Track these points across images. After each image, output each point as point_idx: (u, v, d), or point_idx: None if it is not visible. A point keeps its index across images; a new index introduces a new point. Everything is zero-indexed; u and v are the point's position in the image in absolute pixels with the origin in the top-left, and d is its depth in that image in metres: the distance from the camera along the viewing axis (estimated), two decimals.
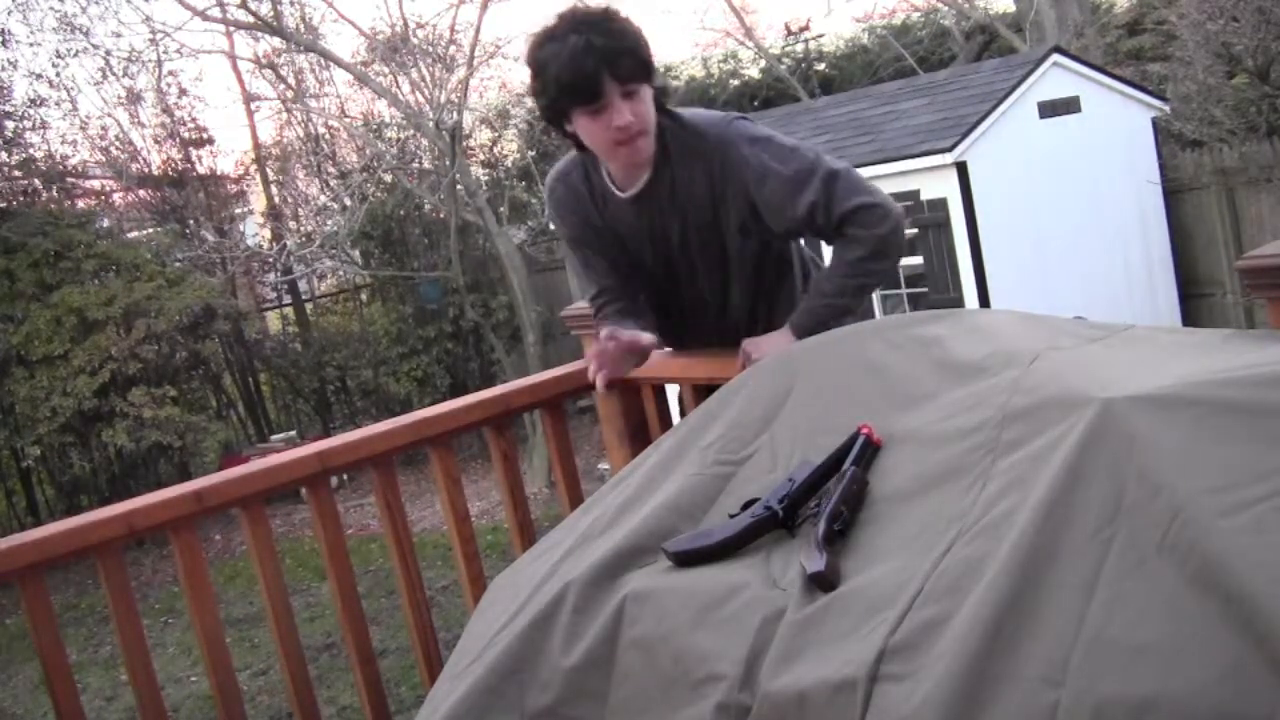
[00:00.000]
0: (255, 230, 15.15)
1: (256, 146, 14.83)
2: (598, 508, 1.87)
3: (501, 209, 12.52)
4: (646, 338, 2.27)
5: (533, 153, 14.59)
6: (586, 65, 2.00)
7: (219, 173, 14.14)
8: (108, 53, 12.49)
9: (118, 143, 13.19)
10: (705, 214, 2.22)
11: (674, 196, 2.21)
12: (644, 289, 2.42)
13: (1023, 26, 13.08)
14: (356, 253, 13.11)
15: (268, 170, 14.67)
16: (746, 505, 1.63)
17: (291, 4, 12.18)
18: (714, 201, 2.20)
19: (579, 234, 2.37)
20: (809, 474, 1.61)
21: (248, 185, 14.97)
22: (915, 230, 8.83)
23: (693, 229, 2.25)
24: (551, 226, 12.24)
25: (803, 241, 2.46)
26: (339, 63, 12.40)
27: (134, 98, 12.96)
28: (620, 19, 2.07)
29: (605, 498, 1.89)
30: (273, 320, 14.85)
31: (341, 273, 14.04)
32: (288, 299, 14.63)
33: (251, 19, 11.81)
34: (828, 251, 2.28)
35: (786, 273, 2.41)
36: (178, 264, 11.88)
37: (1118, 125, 9.38)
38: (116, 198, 13.86)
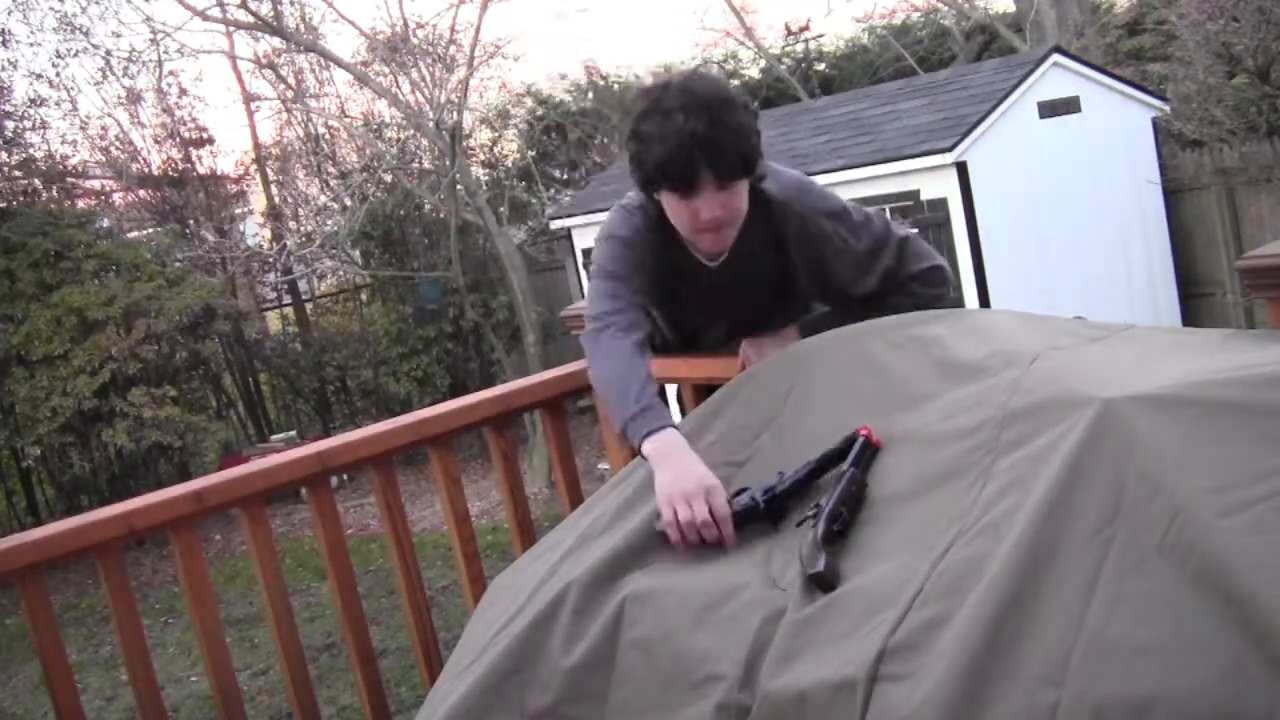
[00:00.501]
0: (255, 230, 15.15)
1: (256, 146, 14.84)
2: (598, 508, 1.87)
3: (501, 209, 12.52)
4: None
5: (533, 153, 14.59)
6: (688, 156, 1.90)
7: (219, 173, 14.15)
8: (108, 53, 12.50)
9: (118, 143, 13.20)
10: (775, 275, 2.18)
11: (752, 259, 2.15)
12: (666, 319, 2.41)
13: (1023, 26, 13.07)
14: (356, 253, 13.11)
15: (268, 170, 14.67)
16: (736, 494, 1.64)
17: (291, 4, 12.19)
18: (785, 262, 2.16)
19: (624, 270, 2.17)
20: (799, 471, 1.62)
21: (248, 185, 14.97)
22: (915, 230, 8.82)
23: (765, 286, 2.21)
24: (552, 226, 12.27)
25: None
26: (339, 63, 12.40)
27: (134, 98, 12.96)
28: (735, 105, 1.96)
29: (605, 498, 1.89)
30: (273, 320, 14.86)
31: (341, 273, 14.05)
32: (288, 299, 14.64)
33: (251, 19, 11.81)
34: None
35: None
36: (178, 264, 11.88)
37: (1118, 125, 9.37)
38: (116, 198, 13.87)
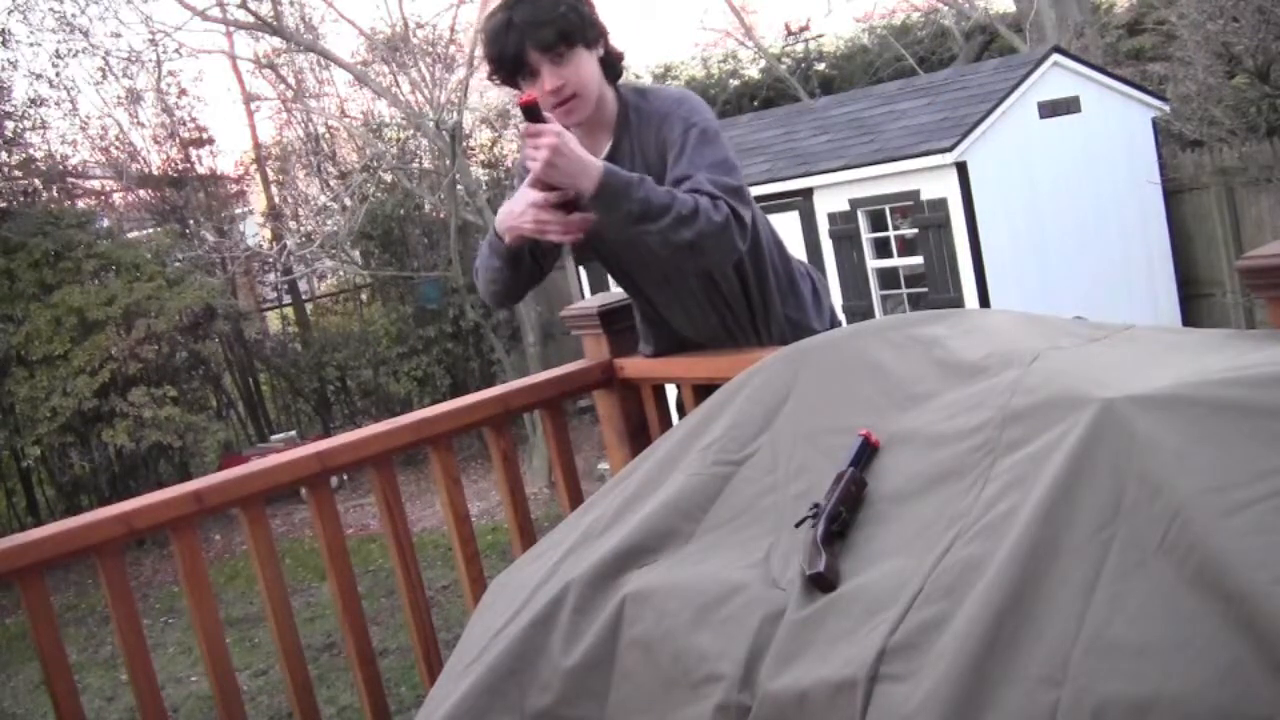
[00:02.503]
0: (255, 230, 15.15)
1: (256, 146, 14.84)
2: (598, 507, 1.87)
3: None
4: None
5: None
6: (508, 42, 2.14)
7: (219, 173, 14.16)
8: (107, 53, 12.49)
9: (118, 143, 13.21)
10: (660, 181, 2.20)
11: (633, 162, 2.24)
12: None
13: (1023, 26, 13.07)
14: (356, 253, 13.10)
15: (268, 170, 14.67)
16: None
17: (291, 4, 12.18)
18: (664, 172, 2.21)
19: None
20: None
21: (248, 185, 14.98)
22: (915, 230, 8.83)
23: None
24: None
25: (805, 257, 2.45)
26: (339, 63, 12.39)
27: (134, 98, 12.96)
28: None
29: (605, 497, 1.89)
30: (273, 320, 14.86)
31: (341, 273, 14.04)
32: (288, 299, 14.64)
33: (251, 19, 11.79)
34: (831, 270, 2.27)
35: (761, 275, 2.38)
36: (178, 264, 11.87)
37: (1118, 125, 9.37)
38: (116, 198, 13.87)
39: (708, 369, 2.38)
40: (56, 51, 13.18)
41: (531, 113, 2.01)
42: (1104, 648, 1.14)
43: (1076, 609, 1.18)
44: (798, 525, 1.56)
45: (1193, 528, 1.16)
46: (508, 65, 2.17)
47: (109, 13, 16.52)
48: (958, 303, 8.43)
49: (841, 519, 1.50)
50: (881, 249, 9.13)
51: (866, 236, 9.07)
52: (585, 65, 2.18)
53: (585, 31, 2.17)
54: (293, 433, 12.57)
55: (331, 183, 13.33)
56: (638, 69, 15.17)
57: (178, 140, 13.27)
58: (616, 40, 2.31)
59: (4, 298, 10.51)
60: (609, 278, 2.48)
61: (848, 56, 16.08)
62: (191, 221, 13.13)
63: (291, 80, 13.30)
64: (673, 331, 2.49)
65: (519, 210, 2.12)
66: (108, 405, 10.15)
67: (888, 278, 9.11)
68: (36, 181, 12.07)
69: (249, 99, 14.27)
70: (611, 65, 2.27)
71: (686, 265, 2.24)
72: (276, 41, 12.43)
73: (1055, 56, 9.17)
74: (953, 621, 1.24)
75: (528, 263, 2.29)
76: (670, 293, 2.40)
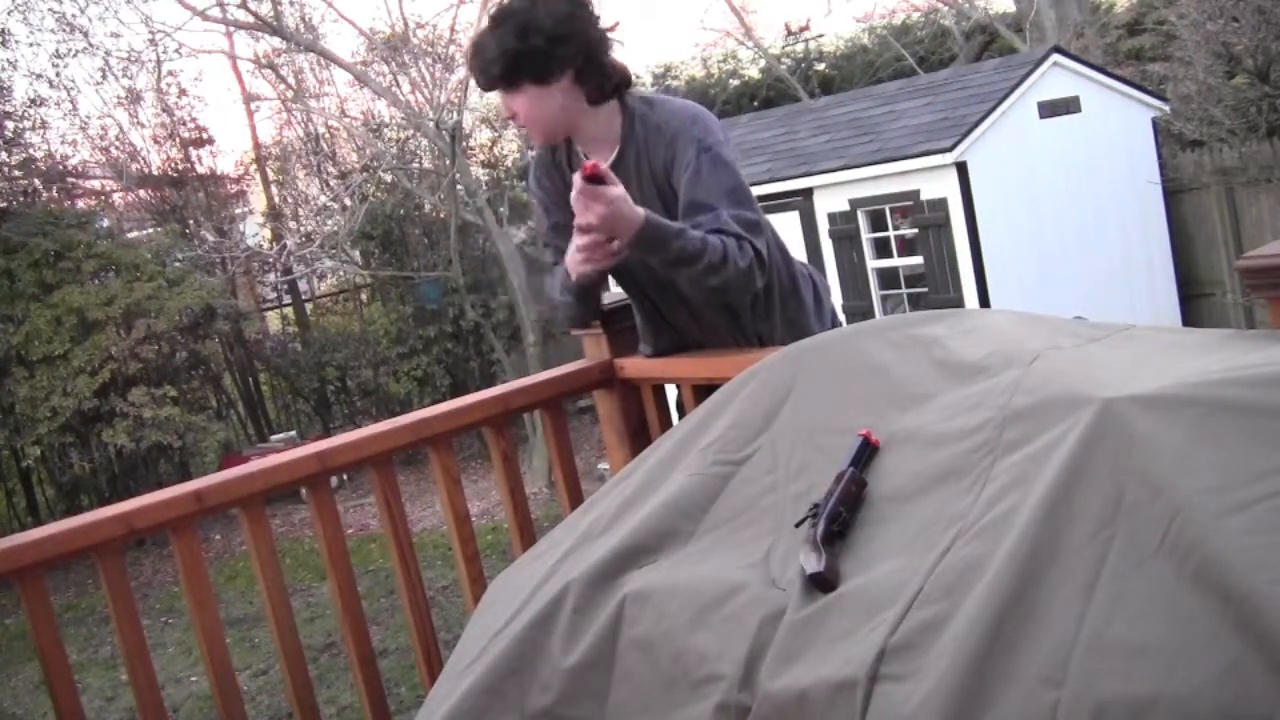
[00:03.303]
0: (255, 230, 15.15)
1: (256, 146, 14.85)
2: (598, 508, 1.86)
3: (501, 209, 12.51)
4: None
5: (532, 153, 14.57)
6: (473, 72, 2.32)
7: (219, 173, 14.17)
8: (107, 53, 12.50)
9: (118, 143, 13.21)
10: (664, 193, 2.30)
11: (638, 171, 2.31)
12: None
13: (1023, 26, 13.07)
14: (356, 253, 13.11)
15: (268, 170, 14.67)
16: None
17: (291, 4, 12.19)
18: (670, 183, 2.29)
19: (553, 215, 2.47)
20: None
21: (248, 185, 14.98)
22: (915, 230, 8.83)
23: (654, 205, 2.26)
24: None
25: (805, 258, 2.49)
26: (339, 63, 12.39)
27: (134, 98, 12.96)
28: (520, 13, 2.21)
29: (605, 497, 1.89)
30: (273, 320, 14.87)
31: (341, 273, 14.05)
32: (288, 299, 14.64)
33: (251, 19, 11.80)
34: (831, 270, 2.30)
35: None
36: (178, 264, 11.88)
37: (1118, 125, 9.38)
38: (116, 198, 13.87)
39: (708, 369, 2.37)
40: (56, 51, 13.21)
41: (594, 179, 2.04)
42: (1104, 648, 1.14)
43: (1077, 609, 1.18)
44: (798, 525, 1.55)
45: (1192, 528, 1.15)
46: (483, 89, 2.36)
47: (109, 13, 16.52)
48: (958, 303, 8.43)
49: (841, 519, 1.50)
50: (881, 249, 9.13)
51: (866, 236, 9.07)
52: (536, 100, 2.27)
53: (538, 68, 2.22)
54: (293, 433, 12.57)
55: (331, 183, 13.33)
56: (638, 69, 15.14)
57: (178, 140, 13.27)
58: (625, 47, 2.37)
59: (4, 298, 10.52)
60: (609, 278, 2.49)
61: (848, 56, 16.08)
62: (191, 221, 13.13)
63: (291, 80, 13.30)
64: (674, 331, 2.49)
65: (569, 255, 2.25)
66: (108, 405, 10.15)
67: (888, 278, 9.11)
68: (36, 181, 12.08)
69: (249, 99, 14.29)
70: (609, 81, 2.29)
71: (709, 300, 2.34)
72: (276, 41, 12.44)
73: (1055, 56, 9.17)
74: (953, 621, 1.24)
75: (595, 291, 2.41)
76: (673, 295, 2.41)
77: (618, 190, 2.05)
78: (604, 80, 2.29)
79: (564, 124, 2.33)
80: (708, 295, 2.27)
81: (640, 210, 2.09)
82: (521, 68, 2.23)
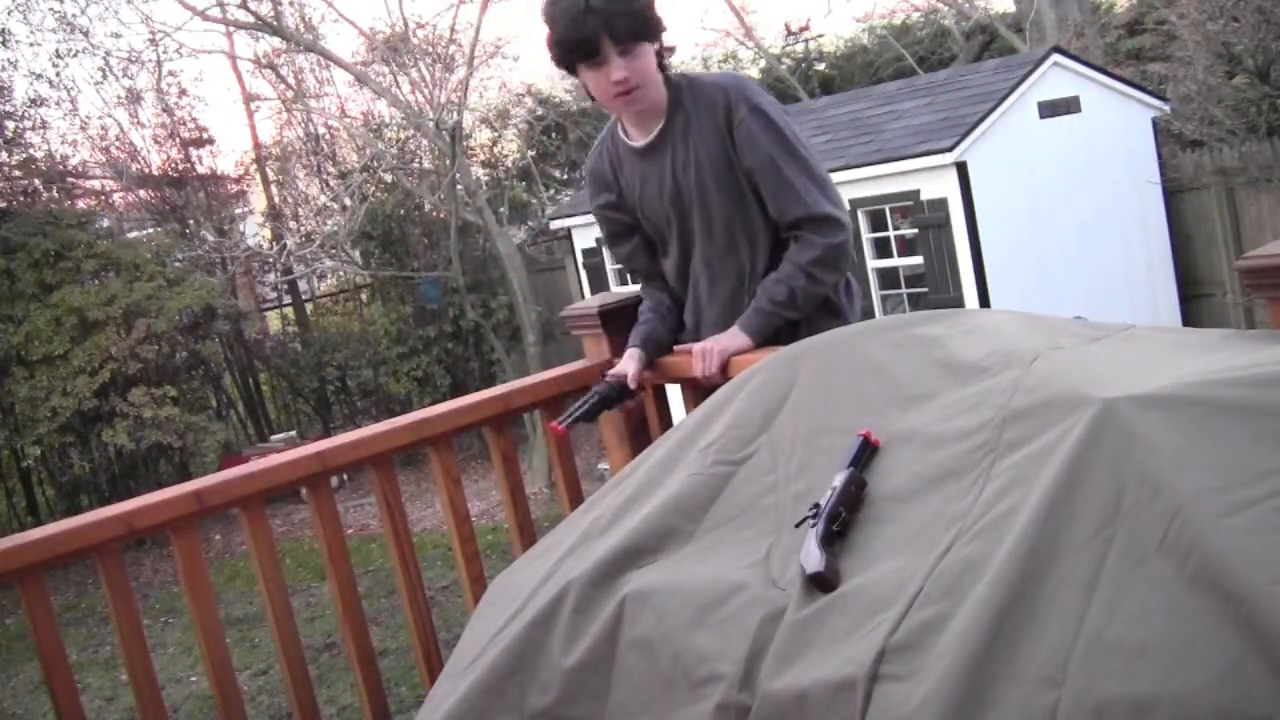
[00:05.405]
0: (255, 230, 15.15)
1: (256, 146, 14.84)
2: (598, 508, 1.87)
3: (501, 209, 12.52)
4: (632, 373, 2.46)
5: (533, 152, 14.59)
6: (584, 27, 2.21)
7: (219, 173, 14.15)
8: (107, 53, 12.49)
9: (118, 143, 13.20)
10: (718, 157, 2.36)
11: (687, 138, 2.37)
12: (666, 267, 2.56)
13: (1023, 26, 13.07)
14: (356, 253, 13.10)
15: (268, 170, 14.67)
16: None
17: (291, 4, 12.18)
18: (723, 146, 2.35)
19: (611, 211, 2.55)
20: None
21: (248, 185, 14.97)
22: (915, 230, 8.82)
23: (707, 167, 2.36)
24: (552, 225, 12.26)
25: None
26: (339, 63, 12.39)
27: (134, 98, 12.95)
28: None
29: (605, 497, 1.89)
30: (273, 320, 14.86)
31: (341, 273, 14.04)
32: (288, 299, 14.64)
33: (251, 19, 11.79)
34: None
35: None
36: (178, 264, 11.87)
37: (1118, 125, 9.37)
38: (116, 198, 13.87)
39: None
40: (56, 51, 13.20)
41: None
42: (1104, 648, 1.14)
43: (1077, 609, 1.18)
44: (798, 525, 1.56)
45: (1193, 528, 1.15)
46: (578, 50, 2.25)
47: (109, 13, 16.55)
48: (958, 303, 8.43)
49: (841, 519, 1.50)
50: (881, 249, 9.13)
51: (866, 236, 9.07)
52: (648, 60, 2.30)
53: (652, 28, 2.30)
54: (293, 433, 12.57)
55: (331, 183, 13.33)
56: None
57: (178, 140, 13.26)
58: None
59: (4, 298, 10.51)
60: (608, 278, 2.52)
61: (848, 56, 16.08)
62: (191, 221, 13.13)
63: (291, 80, 13.30)
64: (693, 312, 2.55)
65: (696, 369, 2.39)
66: (108, 405, 10.15)
67: (888, 278, 9.11)
68: (36, 181, 12.07)
69: (249, 99, 14.28)
70: (662, 56, 2.39)
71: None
72: (276, 41, 12.43)
73: (1055, 56, 9.17)
74: (953, 621, 1.24)
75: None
76: (708, 277, 2.50)
77: (711, 344, 2.32)
78: (671, 50, 2.40)
79: (659, 87, 2.38)
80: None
81: (740, 334, 2.33)
82: (645, 27, 2.28)
